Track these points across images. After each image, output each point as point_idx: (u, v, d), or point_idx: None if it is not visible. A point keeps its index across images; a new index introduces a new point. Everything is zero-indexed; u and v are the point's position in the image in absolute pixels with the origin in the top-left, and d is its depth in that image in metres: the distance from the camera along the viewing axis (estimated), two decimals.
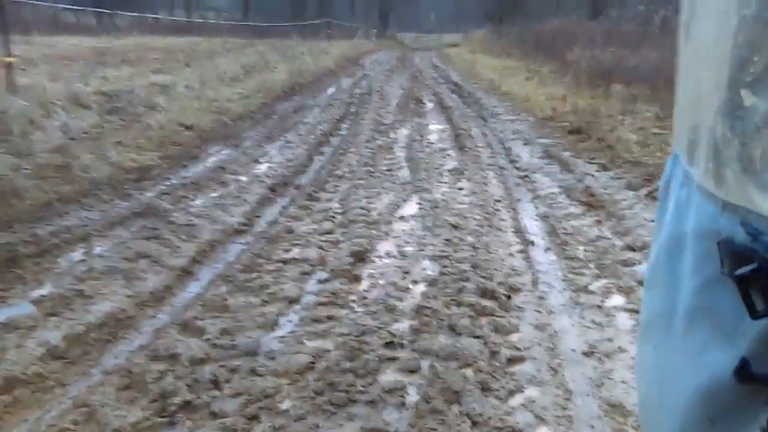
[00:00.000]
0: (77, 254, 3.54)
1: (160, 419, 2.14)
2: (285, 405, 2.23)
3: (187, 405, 2.21)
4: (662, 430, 0.65)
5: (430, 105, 10.29)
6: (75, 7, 26.48)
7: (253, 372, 2.43)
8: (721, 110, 0.54)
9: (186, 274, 3.44)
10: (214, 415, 2.16)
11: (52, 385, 2.36)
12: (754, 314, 0.51)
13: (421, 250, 3.76)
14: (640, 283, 3.24)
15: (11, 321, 2.71)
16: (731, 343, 0.54)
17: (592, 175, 5.29)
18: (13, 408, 2.21)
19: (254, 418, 2.15)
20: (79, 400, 2.24)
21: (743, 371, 0.53)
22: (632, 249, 3.69)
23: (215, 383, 2.34)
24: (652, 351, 0.68)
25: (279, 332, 2.77)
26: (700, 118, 0.59)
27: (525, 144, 6.99)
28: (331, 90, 12.16)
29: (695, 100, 0.61)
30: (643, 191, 4.68)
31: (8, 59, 6.79)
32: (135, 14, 27.64)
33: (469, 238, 3.91)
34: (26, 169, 4.82)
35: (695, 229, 0.60)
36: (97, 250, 3.60)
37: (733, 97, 0.53)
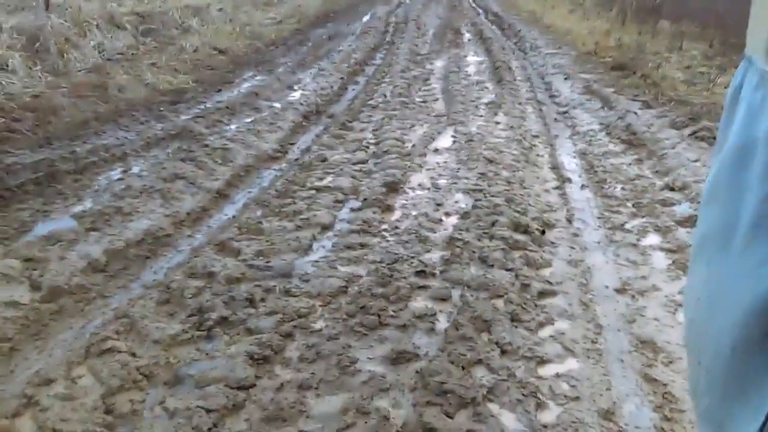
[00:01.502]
0: (115, 173, 3.60)
1: (198, 332, 2.20)
2: (318, 325, 2.28)
3: (223, 321, 2.27)
4: (710, 349, 0.63)
5: (468, 36, 9.98)
6: None
7: (287, 293, 2.47)
8: None
9: (221, 196, 3.47)
10: (250, 332, 2.22)
11: (94, 296, 2.44)
12: None
13: (455, 182, 3.73)
14: (678, 222, 3.18)
15: (54, 234, 2.78)
16: None
17: (635, 113, 5.13)
18: (58, 316, 2.30)
19: (288, 335, 2.20)
20: (120, 311, 2.32)
21: None
22: (672, 189, 3.60)
23: (251, 301, 2.39)
24: (705, 267, 0.65)
25: (313, 257, 2.81)
26: None
27: (566, 79, 6.77)
28: (366, 18, 11.86)
29: None
30: (687, 131, 4.53)
31: None
32: None
33: (504, 173, 3.86)
34: (63, 87, 4.86)
35: None
36: (135, 169, 3.65)
37: None
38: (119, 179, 3.48)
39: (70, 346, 2.14)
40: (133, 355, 2.08)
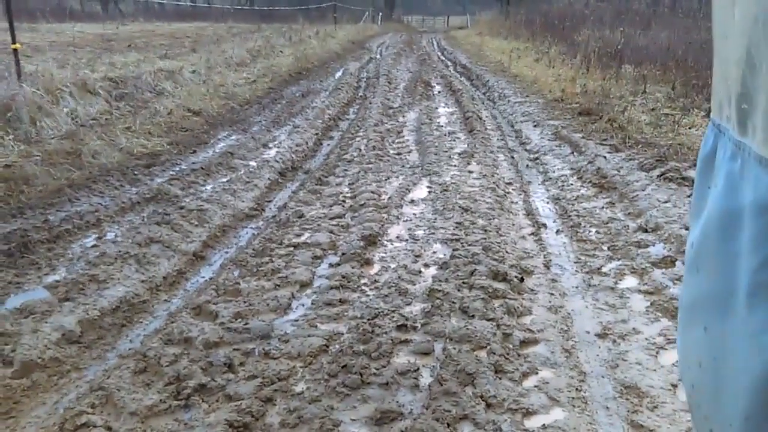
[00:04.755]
0: (89, 240, 3.56)
1: (175, 402, 2.15)
2: (299, 387, 2.24)
3: (201, 388, 2.22)
4: (722, 415, 0.62)
5: (438, 88, 10.21)
6: None
7: (267, 355, 2.44)
8: None
9: (198, 258, 3.44)
10: (229, 398, 2.17)
11: (68, 369, 2.38)
12: None
13: (432, 233, 3.75)
14: (654, 264, 3.22)
15: (27, 306, 2.72)
16: None
17: (604, 157, 5.25)
18: (30, 392, 2.23)
19: (269, 400, 2.16)
20: (95, 383, 2.26)
21: None
22: (645, 230, 3.66)
23: (229, 366, 2.35)
24: (703, 333, 0.65)
25: (292, 316, 2.78)
26: (756, 82, 0.56)
27: (535, 126, 6.93)
28: (338, 74, 12.10)
29: (747, 66, 0.57)
30: (656, 172, 4.64)
31: (15, 46, 6.77)
32: (140, 0, 27.55)
33: (480, 221, 3.89)
34: (36, 155, 4.83)
35: (754, 203, 0.57)
36: (109, 235, 3.61)
37: None
38: (94, 246, 3.44)
39: (43, 423, 2.07)
40: (109, 429, 2.02)
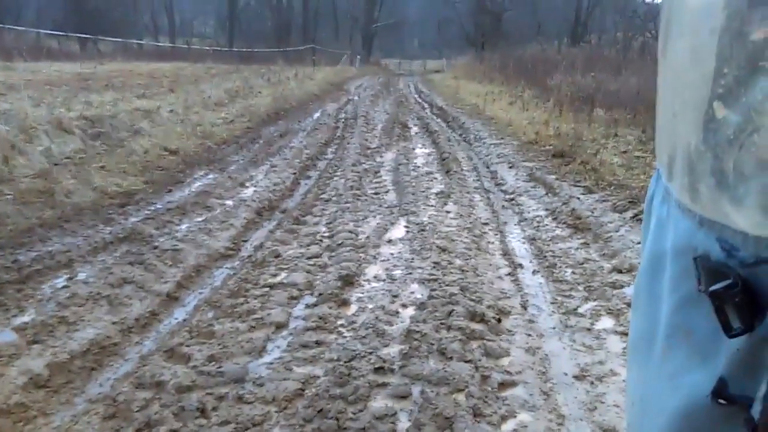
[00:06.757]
0: (60, 280, 3.48)
1: None
2: None
3: None
4: None
5: (415, 129, 10.34)
6: (58, 33, 26.51)
7: (240, 399, 2.38)
8: (696, 124, 0.54)
9: (171, 299, 3.38)
10: None
11: (34, 414, 2.29)
12: (730, 333, 0.50)
13: (410, 273, 3.75)
14: (629, 304, 3.24)
15: None
16: (709, 363, 0.53)
17: (578, 198, 5.33)
18: None
19: None
20: (62, 430, 2.18)
21: (721, 392, 0.51)
22: (620, 271, 3.70)
23: (202, 411, 2.29)
24: (636, 373, 0.67)
25: (267, 359, 2.73)
26: (678, 133, 0.59)
27: (510, 167, 7.04)
28: (316, 115, 12.20)
29: (673, 117, 0.60)
30: (629, 213, 4.72)
31: None
32: (119, 40, 27.70)
33: (458, 261, 3.90)
34: (8, 194, 4.76)
35: (673, 246, 0.59)
36: (81, 275, 3.54)
37: (706, 110, 0.52)
38: (64, 287, 3.36)
39: None
40: None
